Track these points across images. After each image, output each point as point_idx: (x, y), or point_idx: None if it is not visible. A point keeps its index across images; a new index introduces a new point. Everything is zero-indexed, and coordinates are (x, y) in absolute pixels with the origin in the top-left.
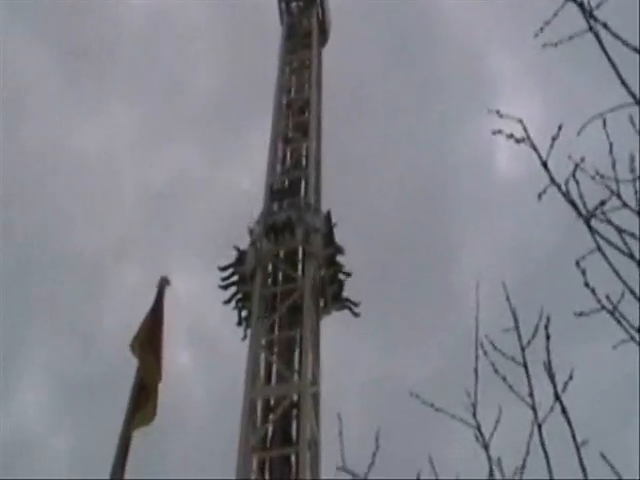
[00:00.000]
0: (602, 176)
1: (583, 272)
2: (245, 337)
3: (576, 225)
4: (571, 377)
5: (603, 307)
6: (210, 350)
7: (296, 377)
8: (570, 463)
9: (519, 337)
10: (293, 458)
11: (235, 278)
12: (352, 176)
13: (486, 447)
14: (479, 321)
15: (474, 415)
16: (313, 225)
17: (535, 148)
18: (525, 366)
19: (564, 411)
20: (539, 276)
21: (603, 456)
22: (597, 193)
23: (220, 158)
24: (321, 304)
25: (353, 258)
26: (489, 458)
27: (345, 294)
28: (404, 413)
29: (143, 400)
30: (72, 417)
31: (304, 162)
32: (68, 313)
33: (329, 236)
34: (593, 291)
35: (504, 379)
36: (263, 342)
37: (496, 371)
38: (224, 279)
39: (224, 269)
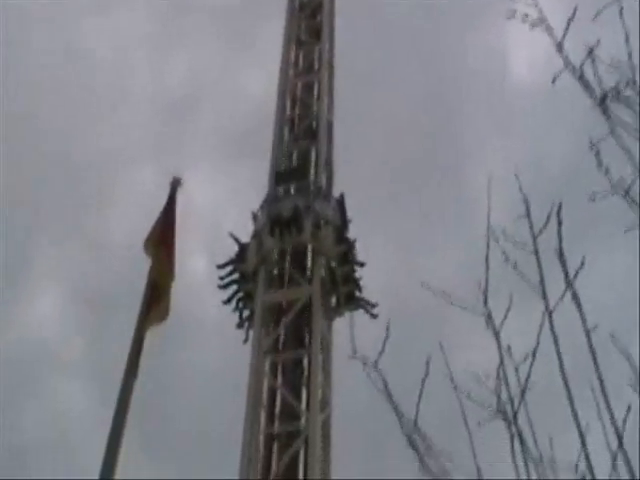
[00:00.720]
0: (617, 63)
1: (597, 153)
2: (247, 340)
3: (590, 117)
4: (582, 264)
5: (616, 191)
6: (226, 255)
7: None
8: (580, 349)
9: (530, 225)
10: (305, 361)
11: (236, 276)
12: (365, 80)
13: (497, 335)
14: (490, 210)
15: (485, 303)
16: (323, 215)
17: (550, 29)
18: (536, 254)
19: (575, 297)
20: (553, 180)
21: (613, 337)
22: (612, 81)
23: (233, 61)
24: (332, 301)
25: (367, 164)
26: (499, 346)
27: (359, 293)
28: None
29: (155, 299)
30: (86, 325)
31: (316, 66)
32: (79, 218)
33: (341, 228)
34: (607, 171)
35: (514, 266)
36: (275, 250)
37: (507, 259)
38: (222, 277)
39: (223, 267)
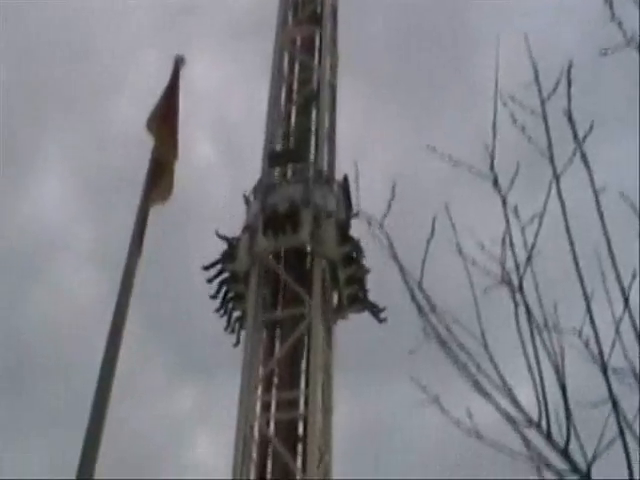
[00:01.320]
0: None
1: (610, 5)
2: (238, 343)
3: None
4: (591, 128)
5: (629, 42)
6: (230, 141)
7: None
8: (589, 210)
9: (539, 88)
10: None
11: (225, 275)
12: None
13: (503, 200)
14: (499, 71)
15: (492, 167)
16: (324, 207)
17: None
18: (544, 117)
19: (584, 157)
20: (566, 42)
21: (622, 194)
22: None
23: None
24: (334, 301)
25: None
26: (505, 209)
27: (364, 295)
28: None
29: (159, 178)
30: (92, 207)
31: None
32: (85, 103)
33: (345, 223)
34: (620, 24)
35: (522, 130)
36: (280, 131)
37: (515, 121)
38: (210, 280)
39: (208, 268)
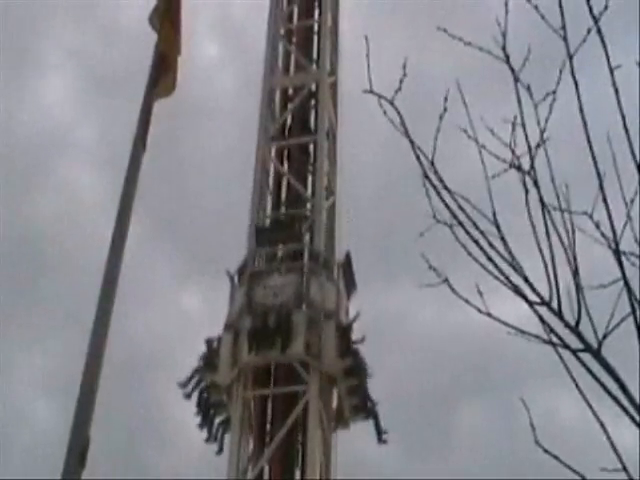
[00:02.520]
0: None
1: None
2: (221, 451)
3: None
4: (606, 7)
5: None
6: (237, 42)
7: (314, 66)
8: (604, 90)
9: None
10: (311, 147)
11: (203, 384)
12: None
13: (516, 79)
14: None
15: (503, 47)
16: (322, 306)
17: None
18: None
19: (599, 32)
20: None
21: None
22: None
23: None
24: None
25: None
26: (517, 85)
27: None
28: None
29: (163, 72)
30: (96, 106)
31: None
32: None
33: (347, 328)
34: None
35: (536, 8)
36: (282, 31)
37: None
38: (187, 395)
39: (185, 385)
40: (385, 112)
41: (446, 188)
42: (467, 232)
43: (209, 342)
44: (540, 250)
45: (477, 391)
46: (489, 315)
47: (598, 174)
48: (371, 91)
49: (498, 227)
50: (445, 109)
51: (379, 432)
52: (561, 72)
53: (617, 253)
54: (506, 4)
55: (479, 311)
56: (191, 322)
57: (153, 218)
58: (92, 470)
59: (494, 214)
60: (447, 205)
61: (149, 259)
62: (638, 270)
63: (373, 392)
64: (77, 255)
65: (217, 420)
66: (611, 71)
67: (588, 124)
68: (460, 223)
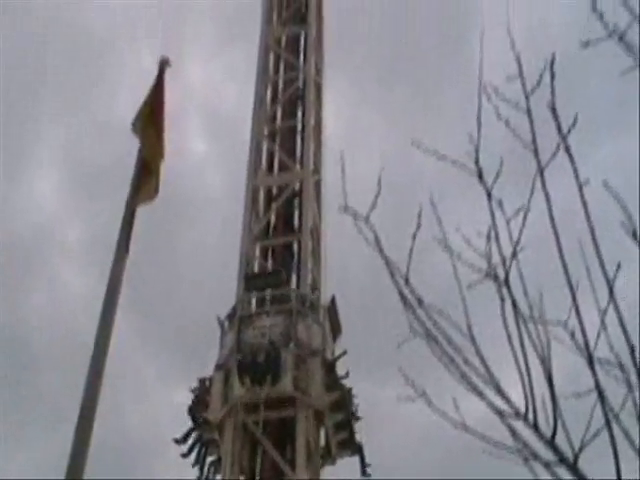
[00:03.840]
0: None
1: None
2: None
3: None
4: (575, 121)
5: (610, 34)
6: (224, 140)
7: (298, 166)
8: (574, 202)
9: (522, 82)
10: (295, 246)
11: (195, 431)
12: None
13: (488, 194)
14: (483, 65)
15: (476, 162)
16: (308, 345)
17: None
18: (528, 111)
19: (567, 150)
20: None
21: (606, 184)
22: None
23: None
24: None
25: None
26: (490, 203)
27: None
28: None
29: (146, 177)
30: (84, 203)
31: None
32: (80, 94)
33: (332, 363)
34: (601, 16)
35: (507, 123)
36: (265, 132)
37: (499, 116)
38: (180, 439)
39: (180, 442)
40: (361, 230)
41: (420, 305)
42: (441, 349)
43: (201, 381)
44: (516, 361)
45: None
46: (466, 429)
47: (570, 286)
48: (346, 209)
49: (473, 340)
50: (419, 225)
51: (364, 466)
52: (533, 184)
53: (591, 363)
54: (478, 119)
55: (455, 427)
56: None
57: (141, 314)
58: None
59: (469, 327)
60: (421, 322)
61: (140, 354)
62: (613, 378)
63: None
64: (63, 351)
65: (209, 459)
66: (580, 187)
67: (562, 230)
68: (435, 340)
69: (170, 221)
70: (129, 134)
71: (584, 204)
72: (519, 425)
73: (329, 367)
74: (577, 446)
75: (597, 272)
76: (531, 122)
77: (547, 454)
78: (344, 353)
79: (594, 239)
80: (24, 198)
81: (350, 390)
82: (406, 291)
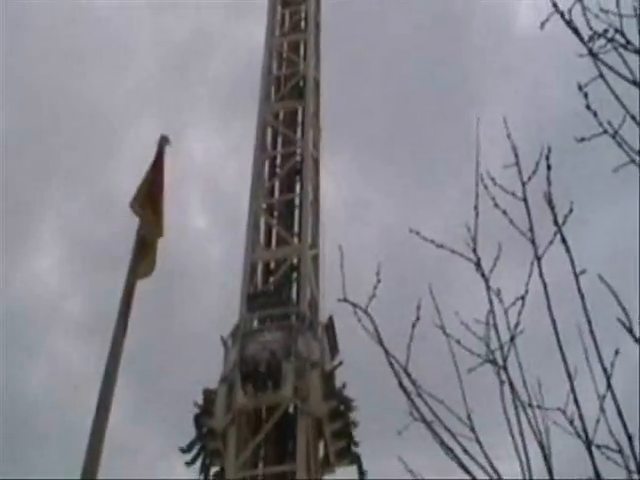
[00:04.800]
0: (606, 11)
1: (585, 95)
2: None
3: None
4: (571, 210)
5: (605, 131)
6: (224, 215)
7: (296, 240)
8: (570, 289)
9: (519, 171)
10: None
11: (201, 431)
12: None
13: (486, 281)
14: (479, 157)
15: (474, 250)
16: (308, 358)
17: None
18: (525, 199)
19: (564, 240)
20: (547, 126)
21: (601, 278)
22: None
23: (236, 14)
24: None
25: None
26: (488, 291)
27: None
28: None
29: (144, 255)
30: (84, 278)
31: (303, 25)
32: (84, 174)
33: (330, 374)
34: (595, 114)
35: (504, 213)
36: (263, 206)
37: (496, 205)
38: (185, 449)
39: (185, 451)
40: (360, 320)
41: (420, 395)
42: (441, 439)
43: (206, 392)
44: (515, 447)
45: None
46: None
47: (569, 374)
48: (345, 300)
49: (473, 430)
50: (418, 318)
51: (362, 474)
52: (530, 270)
53: (589, 449)
54: (476, 208)
55: None
56: None
57: (141, 387)
58: None
59: (469, 416)
60: (421, 413)
61: (141, 426)
62: (613, 463)
63: None
64: (65, 424)
65: (213, 470)
66: (576, 276)
67: (560, 314)
68: (433, 430)
69: (170, 294)
70: (128, 210)
71: (581, 295)
72: None
73: (327, 377)
74: None
75: (595, 358)
76: (528, 212)
77: None
78: (340, 364)
79: (591, 331)
80: (27, 270)
81: (352, 400)
82: (405, 381)
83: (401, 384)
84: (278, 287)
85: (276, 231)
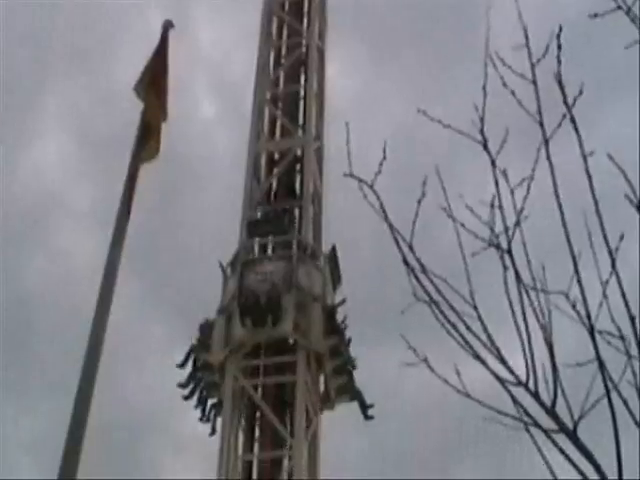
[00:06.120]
0: None
1: None
2: (214, 432)
3: None
4: (581, 92)
5: (619, 7)
6: (231, 103)
7: (300, 132)
8: (578, 173)
9: (529, 52)
10: (297, 211)
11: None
12: None
13: (493, 162)
14: (489, 34)
15: (481, 131)
16: (309, 290)
17: None
18: (534, 82)
19: (573, 120)
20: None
21: (610, 157)
22: None
23: None
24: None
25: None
26: (494, 171)
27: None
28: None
29: (148, 139)
30: (90, 168)
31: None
32: (86, 60)
33: (332, 309)
34: None
35: (512, 93)
36: (268, 96)
37: (504, 84)
38: (184, 384)
39: (182, 366)
40: (365, 196)
41: (424, 272)
42: (444, 315)
43: (202, 325)
44: (518, 329)
45: (464, 457)
46: (467, 396)
47: (573, 257)
48: (351, 175)
49: (476, 308)
50: (423, 194)
51: (365, 408)
52: (538, 154)
53: (592, 334)
54: (484, 88)
55: (457, 391)
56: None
57: (145, 277)
58: None
59: (472, 295)
60: (425, 289)
61: (143, 319)
62: (614, 349)
63: None
64: (67, 318)
65: (210, 402)
66: (584, 158)
67: (565, 201)
68: (437, 306)
69: (175, 182)
70: (132, 97)
71: (588, 176)
72: (520, 393)
73: (329, 313)
74: (577, 415)
75: (600, 242)
76: (537, 92)
77: (547, 422)
78: (344, 301)
79: (597, 211)
80: (30, 163)
81: (349, 339)
82: (410, 257)
83: (405, 260)
84: (280, 214)
85: (280, 122)
